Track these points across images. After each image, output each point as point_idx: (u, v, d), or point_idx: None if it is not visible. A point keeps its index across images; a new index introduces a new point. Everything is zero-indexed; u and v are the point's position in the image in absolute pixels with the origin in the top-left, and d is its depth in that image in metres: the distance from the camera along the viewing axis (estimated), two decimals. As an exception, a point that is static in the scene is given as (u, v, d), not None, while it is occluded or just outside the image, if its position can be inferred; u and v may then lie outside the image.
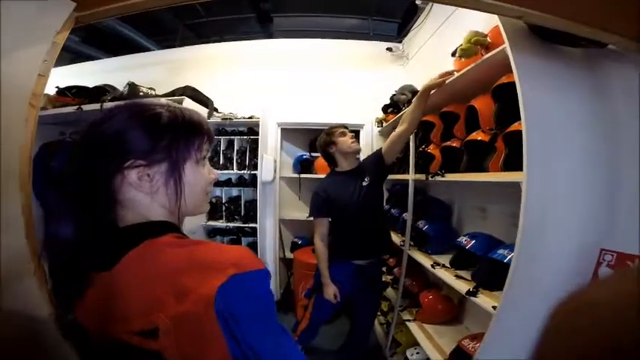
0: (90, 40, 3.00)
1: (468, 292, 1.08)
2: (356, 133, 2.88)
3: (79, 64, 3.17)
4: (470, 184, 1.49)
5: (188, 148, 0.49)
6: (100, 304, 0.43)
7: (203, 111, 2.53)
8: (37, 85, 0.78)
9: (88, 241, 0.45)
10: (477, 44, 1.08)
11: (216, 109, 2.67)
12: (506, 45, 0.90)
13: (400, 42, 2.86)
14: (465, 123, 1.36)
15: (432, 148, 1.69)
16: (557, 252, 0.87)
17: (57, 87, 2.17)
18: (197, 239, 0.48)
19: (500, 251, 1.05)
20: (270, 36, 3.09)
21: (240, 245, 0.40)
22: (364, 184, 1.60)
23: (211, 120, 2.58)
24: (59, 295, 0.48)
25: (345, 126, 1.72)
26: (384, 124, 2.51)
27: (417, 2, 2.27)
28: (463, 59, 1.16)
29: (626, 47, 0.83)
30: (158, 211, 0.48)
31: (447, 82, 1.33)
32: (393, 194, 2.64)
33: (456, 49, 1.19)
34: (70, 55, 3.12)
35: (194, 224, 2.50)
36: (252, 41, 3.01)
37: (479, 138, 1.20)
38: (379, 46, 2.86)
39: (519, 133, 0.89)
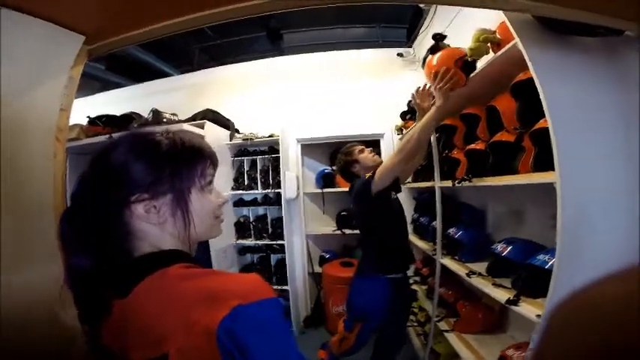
0: (113, 68, 3.15)
1: (508, 301, 1.02)
2: (376, 143, 2.90)
3: (106, 92, 3.37)
4: (502, 186, 1.42)
5: (191, 176, 0.49)
6: (119, 329, 0.43)
7: (225, 133, 2.69)
8: (60, 119, 0.79)
9: (107, 270, 0.46)
10: (486, 42, 1.06)
11: (237, 131, 2.79)
12: (517, 40, 0.88)
13: (410, 47, 2.86)
14: (487, 124, 1.32)
15: (456, 153, 1.65)
16: (601, 254, 0.80)
17: (88, 117, 2.34)
18: (206, 269, 0.47)
19: (541, 257, 0.99)
20: (281, 53, 3.18)
21: (252, 273, 0.41)
22: (393, 196, 1.59)
23: (233, 141, 2.71)
24: (84, 320, 0.48)
25: (359, 142, 1.73)
26: (404, 131, 2.49)
27: (420, 5, 2.28)
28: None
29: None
30: (169, 240, 0.48)
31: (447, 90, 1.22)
32: (420, 203, 2.57)
33: (437, 35, 1.16)
34: (98, 84, 3.31)
35: (225, 243, 2.59)
36: (266, 60, 3.11)
37: (504, 139, 1.17)
38: (390, 53, 2.87)
39: (547, 130, 0.86)
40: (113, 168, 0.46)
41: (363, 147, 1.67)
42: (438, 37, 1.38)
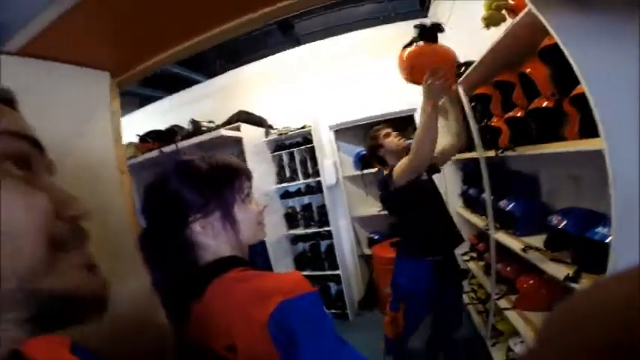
0: (146, 83, 3.25)
1: (567, 278, 0.97)
2: (410, 118, 2.78)
3: (144, 108, 3.57)
4: (552, 152, 1.29)
5: (232, 192, 0.57)
6: (199, 327, 0.51)
7: (260, 131, 2.81)
8: (117, 151, 0.89)
9: (181, 278, 0.54)
10: (498, 9, 0.96)
11: (271, 127, 2.91)
12: (530, 7, 0.79)
13: (426, 16, 2.62)
14: (523, 90, 1.20)
15: (495, 121, 1.53)
16: None
17: (138, 135, 2.54)
18: (257, 271, 0.54)
19: (600, 229, 0.91)
20: (297, 42, 3.14)
21: (294, 272, 0.52)
22: (423, 177, 1.56)
23: (269, 138, 2.84)
24: (171, 320, 0.56)
25: (387, 124, 1.71)
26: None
27: None
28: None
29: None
30: (225, 248, 0.56)
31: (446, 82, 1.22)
32: (467, 173, 2.43)
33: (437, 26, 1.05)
34: (136, 100, 3.50)
35: (277, 235, 2.78)
36: (285, 52, 3.11)
37: (543, 105, 1.06)
38: (407, 26, 2.67)
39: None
40: (169, 198, 0.55)
41: (389, 130, 1.65)
42: (438, 29, 1.27)
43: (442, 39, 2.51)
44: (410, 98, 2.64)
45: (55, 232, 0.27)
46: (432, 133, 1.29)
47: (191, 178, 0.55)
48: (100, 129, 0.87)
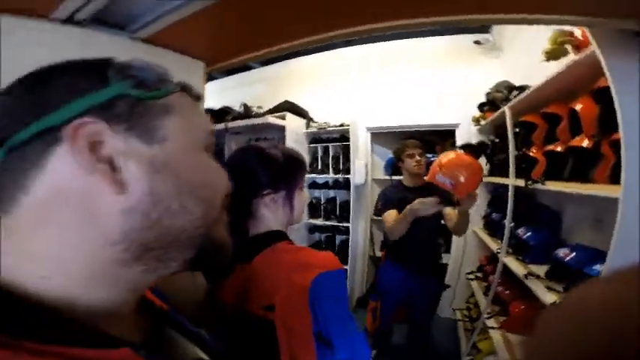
0: None
1: (554, 304, 1.05)
2: (451, 133, 2.78)
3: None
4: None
5: (296, 179, 0.70)
6: (239, 287, 0.60)
7: (301, 122, 2.95)
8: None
9: (238, 242, 0.68)
10: (562, 44, 1.01)
11: (312, 120, 3.04)
12: (594, 48, 0.85)
13: (488, 32, 2.55)
14: (569, 126, 1.24)
15: (534, 152, 1.56)
16: None
17: None
18: (300, 246, 0.67)
19: (597, 266, 0.97)
20: (348, 42, 3.10)
21: (328, 252, 0.65)
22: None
23: (309, 130, 2.97)
24: (208, 280, 0.62)
25: (418, 142, 1.80)
26: (482, 122, 2.36)
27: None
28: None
29: None
30: (276, 223, 0.68)
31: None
32: (495, 197, 2.45)
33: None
34: None
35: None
36: (338, 50, 3.14)
37: (583, 144, 1.10)
38: (466, 40, 2.61)
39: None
40: (249, 174, 0.67)
41: (413, 152, 1.74)
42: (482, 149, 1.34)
43: (499, 60, 2.49)
44: (455, 114, 2.67)
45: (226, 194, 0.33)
46: (401, 230, 1.53)
47: (269, 162, 0.67)
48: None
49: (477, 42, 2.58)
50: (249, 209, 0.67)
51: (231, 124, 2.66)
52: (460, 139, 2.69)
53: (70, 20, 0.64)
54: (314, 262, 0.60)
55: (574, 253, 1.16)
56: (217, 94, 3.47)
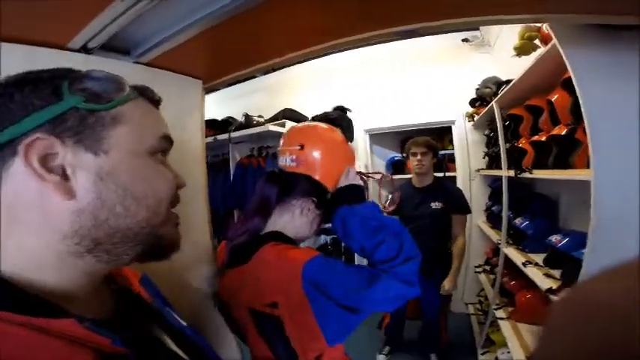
0: None
1: (549, 290, 1.08)
2: (448, 130, 2.83)
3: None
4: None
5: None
6: (237, 285, 0.65)
7: None
8: (202, 144, 1.10)
9: (245, 241, 0.70)
10: (530, 40, 1.06)
11: None
12: (555, 41, 0.90)
13: (477, 29, 2.58)
14: (550, 116, 1.28)
15: (522, 143, 1.60)
16: (633, 251, 0.81)
17: None
18: (289, 245, 0.69)
19: (585, 250, 1.00)
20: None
21: (307, 247, 0.72)
22: (433, 206, 1.76)
23: None
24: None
25: (424, 142, 1.87)
26: (476, 118, 2.40)
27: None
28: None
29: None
30: (289, 230, 0.72)
31: None
32: (494, 190, 2.47)
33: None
34: None
35: None
36: (329, 56, 3.13)
37: (562, 133, 1.15)
38: (455, 38, 2.65)
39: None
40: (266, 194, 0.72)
41: (417, 151, 1.83)
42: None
43: (489, 55, 2.53)
44: (450, 111, 2.71)
45: (173, 196, 0.37)
46: None
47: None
48: (193, 128, 1.07)
49: (465, 40, 2.64)
50: (271, 210, 0.71)
51: (233, 134, 2.76)
52: (457, 136, 2.74)
53: (83, 49, 0.67)
54: (298, 257, 0.63)
55: (566, 239, 1.19)
56: (217, 104, 3.56)
